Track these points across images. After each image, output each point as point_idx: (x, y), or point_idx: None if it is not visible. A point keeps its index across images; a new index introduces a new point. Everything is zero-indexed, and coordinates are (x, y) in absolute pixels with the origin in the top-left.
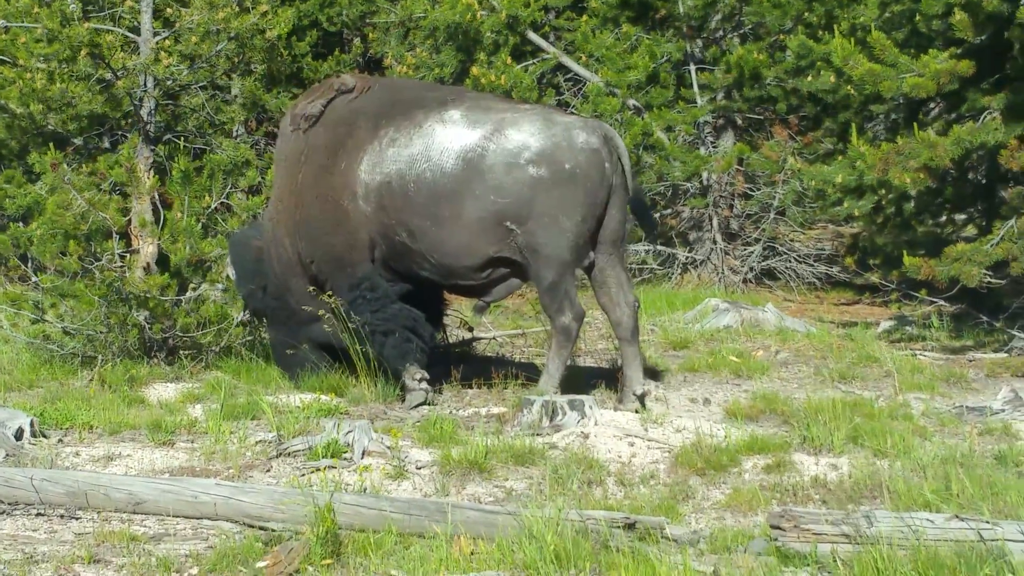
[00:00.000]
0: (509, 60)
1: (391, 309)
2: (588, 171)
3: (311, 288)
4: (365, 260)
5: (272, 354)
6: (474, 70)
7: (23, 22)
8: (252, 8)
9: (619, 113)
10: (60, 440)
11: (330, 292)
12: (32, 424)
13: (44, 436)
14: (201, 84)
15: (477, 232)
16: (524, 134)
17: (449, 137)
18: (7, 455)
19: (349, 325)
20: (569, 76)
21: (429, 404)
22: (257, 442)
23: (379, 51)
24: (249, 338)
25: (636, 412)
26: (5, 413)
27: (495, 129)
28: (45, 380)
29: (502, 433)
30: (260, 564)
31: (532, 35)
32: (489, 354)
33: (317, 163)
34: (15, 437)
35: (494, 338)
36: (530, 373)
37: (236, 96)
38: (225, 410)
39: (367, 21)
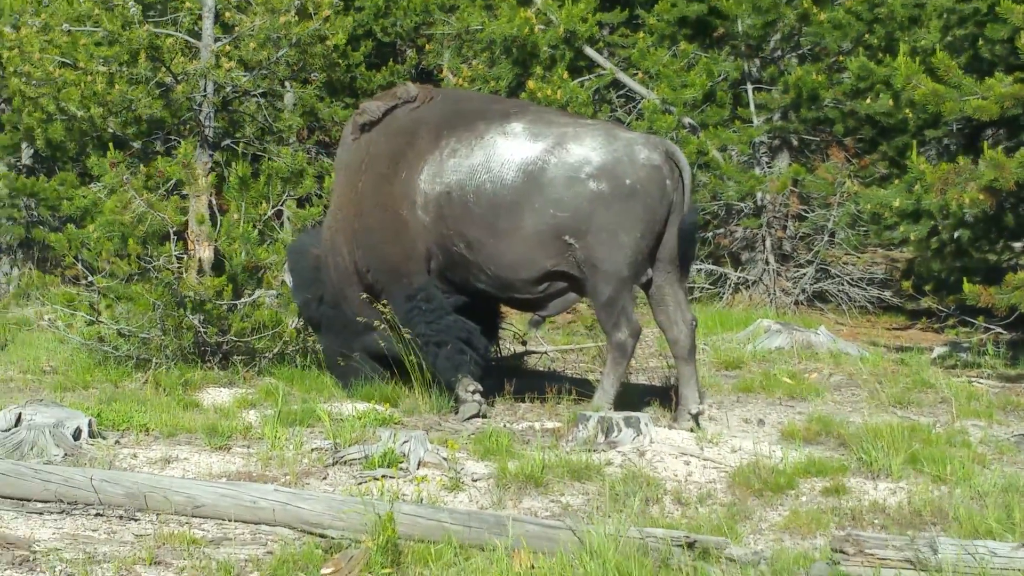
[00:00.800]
0: (565, 75)
1: (446, 320)
2: (648, 187)
3: (365, 297)
4: (422, 271)
5: (325, 362)
6: (530, 84)
7: (85, 25)
8: (314, 14)
9: (674, 131)
10: (117, 441)
11: (385, 302)
12: (90, 424)
13: (101, 437)
14: (261, 91)
15: (535, 245)
16: (586, 148)
17: (511, 149)
18: (66, 455)
19: (404, 335)
20: (622, 92)
21: (482, 416)
22: (313, 449)
23: (433, 63)
24: (302, 345)
25: (691, 431)
26: (64, 413)
27: (557, 143)
28: (99, 381)
29: (557, 448)
30: (324, 571)
31: (588, 50)
32: (541, 368)
33: (377, 172)
34: (73, 437)
35: (546, 353)
36: (583, 389)
37: (291, 104)
38: (280, 416)
39: (421, 32)
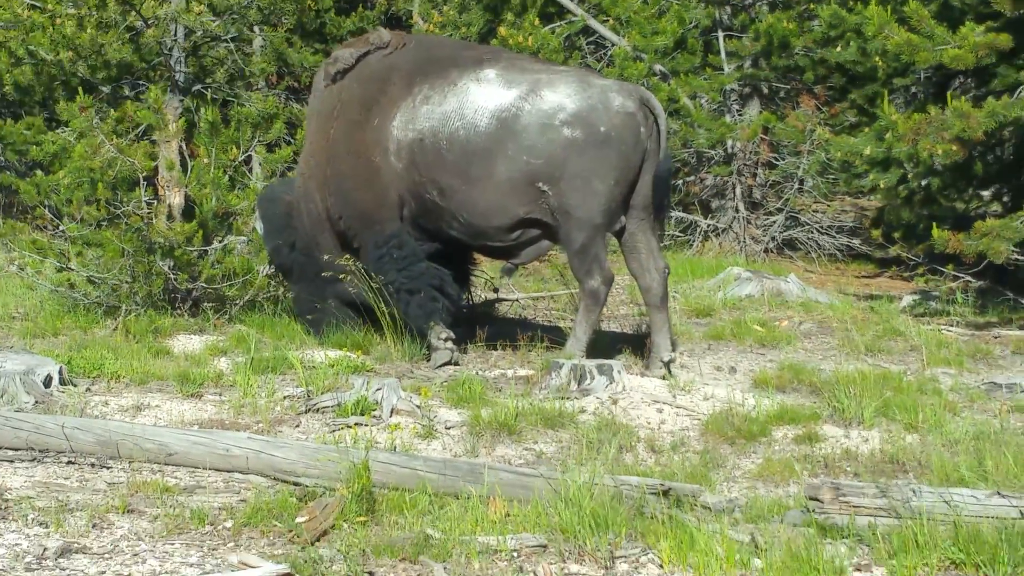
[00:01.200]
0: (536, 21)
1: (418, 267)
2: (623, 134)
3: (337, 245)
4: (394, 217)
5: (296, 310)
6: (501, 30)
7: None
8: None
9: (645, 78)
10: (88, 389)
11: (357, 248)
12: (60, 372)
13: (72, 384)
14: (231, 36)
15: (508, 192)
16: (560, 95)
17: (484, 96)
18: (36, 402)
19: (373, 284)
20: (592, 39)
21: (454, 364)
22: (285, 397)
23: (403, 8)
24: (273, 292)
25: (663, 379)
26: (34, 360)
27: (530, 90)
28: (69, 328)
29: (530, 396)
30: (299, 519)
31: None
32: (512, 316)
33: (350, 118)
34: (43, 384)
35: (517, 300)
36: (555, 336)
37: (260, 49)
38: (252, 364)
39: None
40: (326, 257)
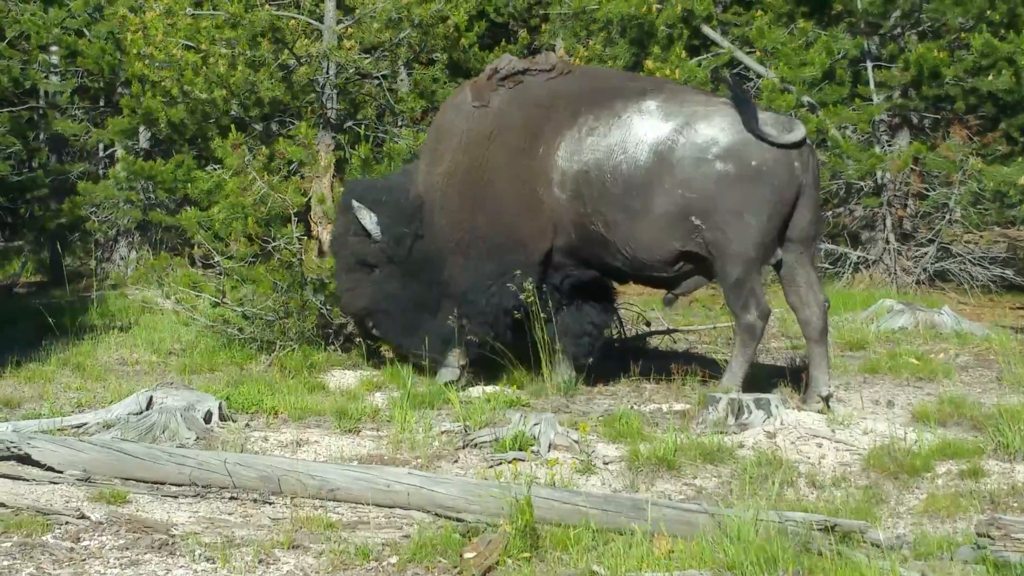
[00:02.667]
0: (683, 54)
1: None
2: (776, 169)
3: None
4: (546, 249)
5: (378, 318)
6: (648, 63)
7: (208, 8)
8: None
9: (793, 110)
10: (247, 424)
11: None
12: (220, 407)
13: (232, 420)
14: (383, 73)
15: (664, 226)
16: (714, 128)
17: (644, 129)
18: (197, 438)
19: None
20: (737, 71)
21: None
22: (443, 432)
23: (546, 43)
24: None
25: (820, 412)
26: (194, 396)
27: (686, 122)
28: (225, 364)
29: (688, 430)
30: (466, 555)
31: (706, 29)
32: (664, 349)
33: (513, 145)
34: (204, 420)
35: (669, 333)
36: (709, 369)
37: (407, 85)
38: (408, 399)
39: (534, 12)
40: (446, 275)
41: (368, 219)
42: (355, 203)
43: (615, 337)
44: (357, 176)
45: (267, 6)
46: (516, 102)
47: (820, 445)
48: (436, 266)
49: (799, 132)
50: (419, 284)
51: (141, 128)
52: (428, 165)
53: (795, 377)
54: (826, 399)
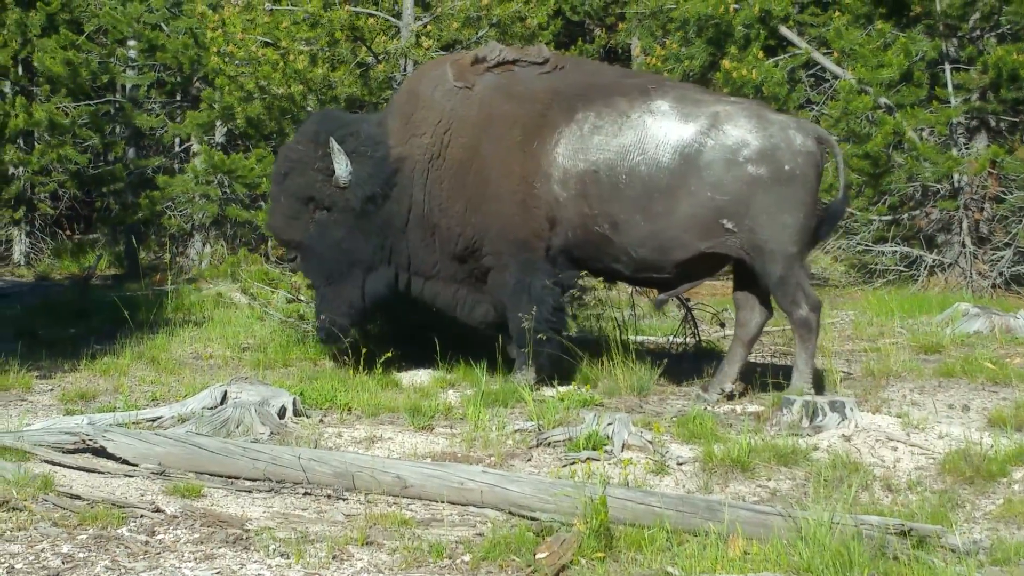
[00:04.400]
0: (760, 54)
1: (562, 301)
2: (807, 171)
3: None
4: (544, 246)
5: (307, 255)
6: (724, 63)
7: (287, 5)
8: None
9: (870, 111)
10: (321, 420)
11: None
12: (294, 403)
13: (306, 415)
14: None
15: (690, 228)
16: (741, 131)
17: (664, 130)
18: (271, 433)
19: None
20: (812, 72)
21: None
22: (516, 430)
23: (622, 42)
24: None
25: (716, 404)
26: (268, 391)
27: (711, 124)
28: (299, 359)
29: (762, 432)
30: (539, 555)
31: (784, 29)
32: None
33: (505, 137)
34: (278, 415)
35: None
36: (782, 370)
37: None
38: (481, 397)
39: (610, 11)
40: (411, 253)
41: (342, 165)
42: (333, 142)
43: (690, 339)
44: None
45: (346, 5)
46: (504, 92)
47: (895, 449)
48: (394, 233)
49: (821, 135)
50: (363, 242)
51: (218, 123)
52: (403, 130)
53: (869, 380)
54: (729, 395)
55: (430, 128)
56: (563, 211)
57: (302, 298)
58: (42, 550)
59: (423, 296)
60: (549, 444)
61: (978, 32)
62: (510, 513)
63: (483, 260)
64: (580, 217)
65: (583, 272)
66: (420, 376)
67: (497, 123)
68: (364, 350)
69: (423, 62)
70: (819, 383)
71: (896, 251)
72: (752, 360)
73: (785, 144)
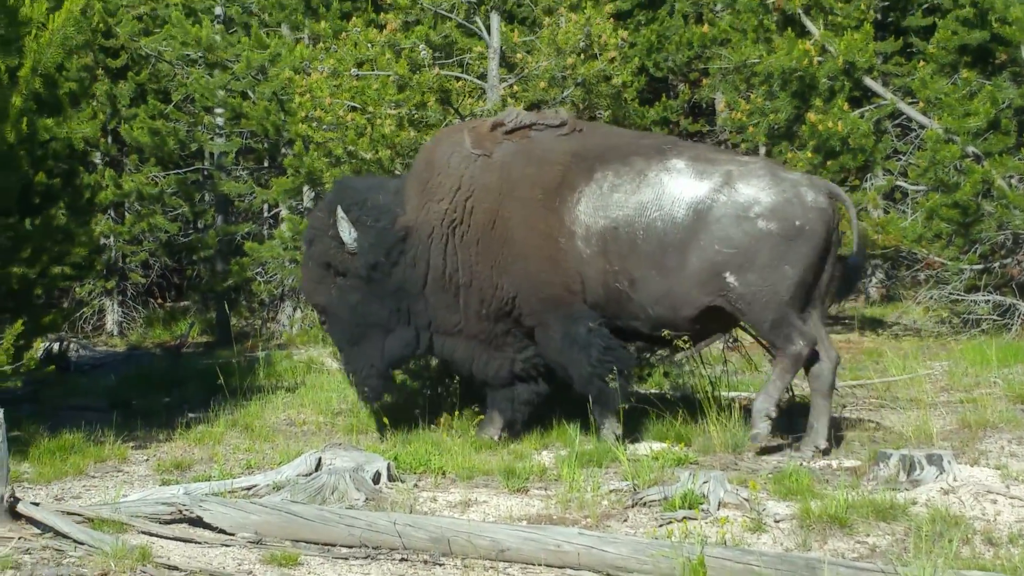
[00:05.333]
0: (845, 106)
1: (617, 351)
2: (816, 228)
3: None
4: (580, 300)
5: (328, 319)
6: (810, 116)
7: (373, 69)
8: (599, 55)
9: (958, 160)
10: (416, 485)
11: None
12: (388, 468)
13: (400, 480)
14: None
15: (697, 283)
16: (754, 188)
17: (679, 187)
18: (367, 499)
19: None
20: (898, 122)
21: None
22: (611, 491)
23: (706, 97)
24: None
25: (812, 460)
26: (363, 456)
27: (724, 182)
28: (392, 423)
29: (859, 487)
30: None
31: (868, 81)
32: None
33: (528, 198)
34: (372, 481)
35: (836, 389)
36: (878, 425)
37: None
38: (575, 457)
39: (693, 67)
40: (431, 314)
41: (347, 233)
42: (340, 212)
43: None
44: None
45: (434, 68)
46: (524, 155)
47: (995, 501)
48: (410, 297)
49: (833, 192)
50: (379, 306)
51: (305, 188)
52: (420, 197)
53: (966, 432)
54: (824, 452)
55: (448, 194)
56: (588, 267)
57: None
58: None
59: (443, 353)
60: (645, 504)
61: None
62: (608, 575)
63: (523, 320)
64: (602, 274)
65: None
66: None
67: (519, 186)
68: (457, 412)
69: None
70: (922, 437)
71: (989, 300)
72: (856, 409)
73: (797, 200)
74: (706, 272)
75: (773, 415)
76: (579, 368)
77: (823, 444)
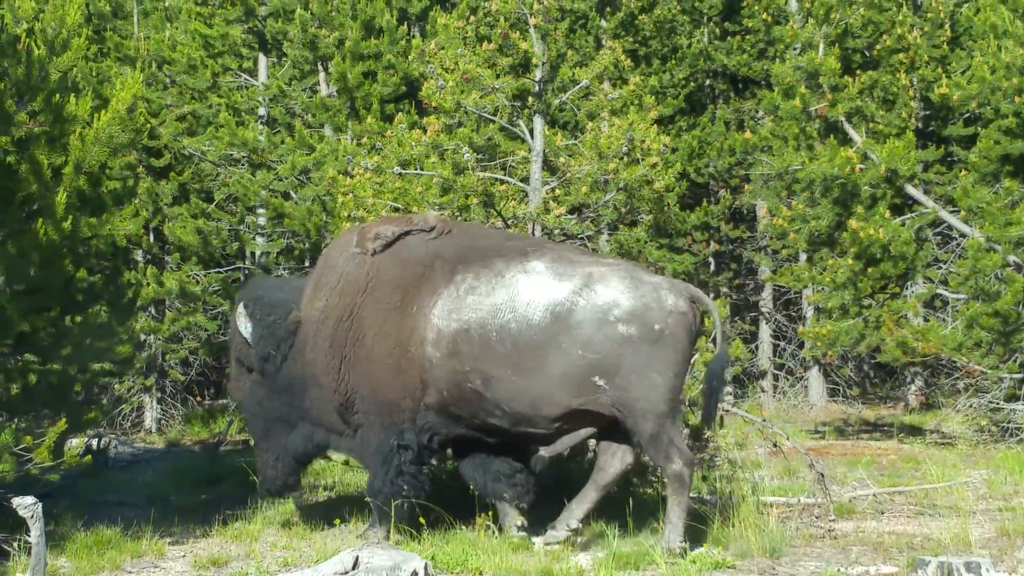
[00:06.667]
0: (887, 214)
1: (416, 468)
2: (676, 332)
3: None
4: (412, 408)
5: (245, 414)
6: (851, 223)
7: (417, 169)
8: (641, 159)
9: (999, 269)
10: None
11: (356, 422)
12: (426, 568)
13: None
14: (587, 234)
15: (561, 384)
16: (614, 291)
17: (535, 289)
18: None
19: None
20: (939, 230)
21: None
22: None
23: (747, 203)
24: (625, 492)
25: (567, 540)
26: (400, 556)
27: (584, 284)
28: (430, 522)
29: None
30: None
31: (910, 188)
32: (869, 510)
33: (386, 301)
34: None
35: (874, 495)
36: (915, 531)
37: (606, 245)
38: (613, 559)
39: (734, 173)
40: (309, 406)
41: (244, 326)
42: (240, 307)
43: (821, 499)
44: None
45: (478, 172)
46: (392, 256)
47: None
48: (298, 390)
49: (694, 296)
50: (279, 401)
51: None
52: (312, 293)
53: (1002, 540)
54: (575, 532)
55: (329, 291)
56: (436, 371)
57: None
58: None
59: (338, 449)
60: None
61: None
62: None
63: (354, 418)
64: (453, 375)
65: (460, 431)
66: (552, 538)
67: (381, 287)
68: (492, 512)
69: (552, 227)
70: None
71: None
72: (894, 514)
73: (656, 304)
74: (573, 376)
75: (679, 546)
76: (374, 476)
77: (575, 525)
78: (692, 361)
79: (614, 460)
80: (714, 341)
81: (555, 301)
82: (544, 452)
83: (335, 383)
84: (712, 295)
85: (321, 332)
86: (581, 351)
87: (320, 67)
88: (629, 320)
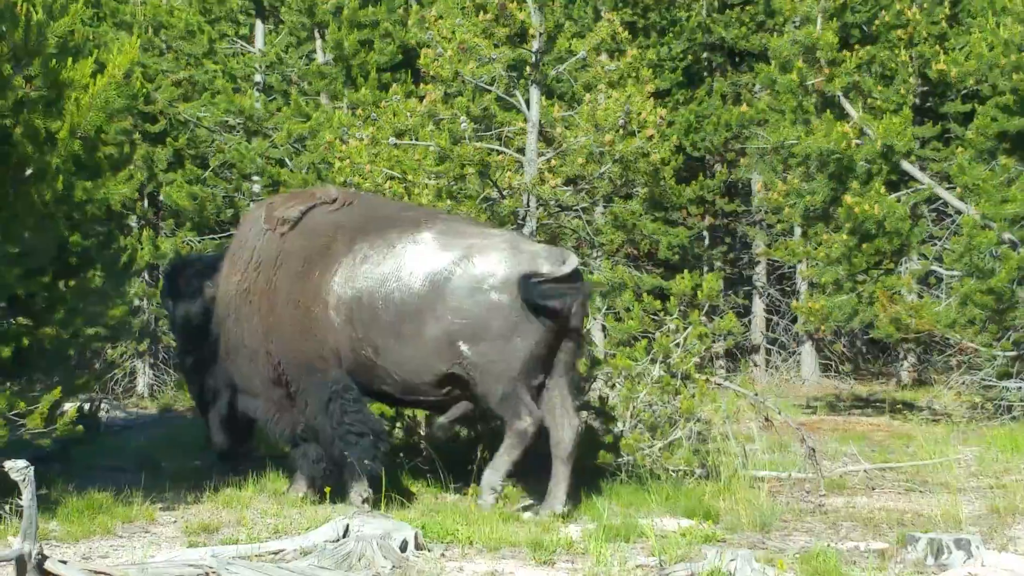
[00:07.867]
0: (883, 189)
1: (364, 413)
2: (547, 299)
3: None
4: (335, 365)
5: (189, 388)
6: (846, 199)
7: (412, 139)
8: (638, 132)
9: (994, 247)
10: (443, 554)
11: (293, 390)
12: (416, 537)
13: (427, 549)
14: (582, 206)
15: (435, 350)
16: (491, 260)
17: (419, 259)
18: (393, 567)
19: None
20: (935, 207)
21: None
22: (637, 566)
23: (742, 177)
24: (619, 460)
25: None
26: (391, 524)
27: (463, 255)
28: (420, 492)
29: (886, 569)
30: None
31: (906, 164)
32: (860, 486)
33: (293, 270)
34: (400, 549)
35: (865, 471)
36: (906, 509)
37: (602, 217)
38: (603, 531)
39: (730, 147)
40: (240, 378)
41: (167, 304)
42: (162, 279)
43: (812, 474)
44: None
45: (474, 142)
46: (298, 229)
47: None
48: (216, 360)
49: (570, 265)
50: (204, 369)
51: None
52: (228, 268)
53: (993, 518)
54: (561, 516)
55: (244, 266)
56: (339, 335)
57: (421, 431)
58: None
59: (250, 414)
60: None
61: None
62: None
63: (290, 386)
64: (351, 341)
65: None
66: (540, 508)
67: (289, 259)
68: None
69: (547, 198)
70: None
71: (1021, 387)
72: (885, 490)
73: (531, 272)
74: (442, 341)
75: (499, 489)
76: (324, 432)
77: (559, 509)
78: (685, 335)
79: (564, 429)
80: (707, 316)
81: (435, 271)
82: (443, 419)
83: (263, 356)
84: (706, 268)
85: (241, 306)
86: (451, 317)
87: (317, 34)
88: (502, 288)
